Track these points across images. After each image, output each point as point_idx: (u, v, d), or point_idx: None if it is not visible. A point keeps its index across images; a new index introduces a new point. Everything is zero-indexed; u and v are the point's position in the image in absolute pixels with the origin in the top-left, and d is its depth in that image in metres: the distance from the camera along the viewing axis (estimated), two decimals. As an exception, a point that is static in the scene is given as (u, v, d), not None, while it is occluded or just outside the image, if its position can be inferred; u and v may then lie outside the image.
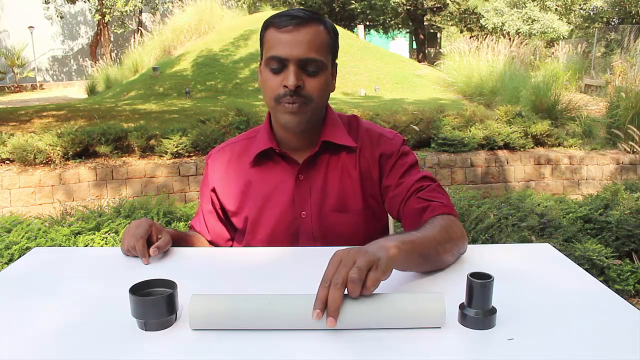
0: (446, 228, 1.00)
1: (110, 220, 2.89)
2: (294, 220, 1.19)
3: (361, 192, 1.19)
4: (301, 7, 17.74)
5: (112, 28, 17.38)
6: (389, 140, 1.22)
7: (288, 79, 1.06)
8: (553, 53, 11.67)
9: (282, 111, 1.10)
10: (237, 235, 1.30)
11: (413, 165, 1.20)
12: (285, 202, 1.19)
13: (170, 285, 0.80)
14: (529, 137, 5.76)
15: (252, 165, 1.21)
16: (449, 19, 20.97)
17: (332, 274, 0.75)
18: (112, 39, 17.38)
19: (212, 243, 1.32)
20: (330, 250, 0.81)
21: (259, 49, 1.16)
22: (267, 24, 1.11)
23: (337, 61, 1.19)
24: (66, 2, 15.48)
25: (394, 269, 0.82)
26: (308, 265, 0.98)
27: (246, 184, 1.22)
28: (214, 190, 1.27)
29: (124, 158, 5.18)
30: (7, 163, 4.91)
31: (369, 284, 0.74)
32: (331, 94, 1.18)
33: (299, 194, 1.18)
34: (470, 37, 13.55)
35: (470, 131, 5.68)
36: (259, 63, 1.18)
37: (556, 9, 16.69)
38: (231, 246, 1.31)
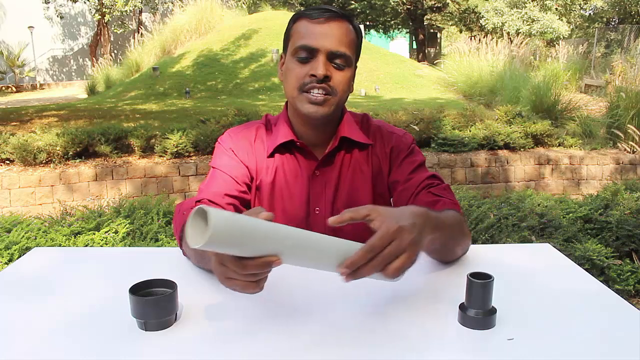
0: (460, 222, 1.03)
1: (110, 220, 2.88)
2: (306, 217, 1.17)
3: (372, 189, 1.20)
4: (302, 6, 17.76)
5: (112, 28, 17.37)
6: (399, 137, 1.23)
7: (317, 68, 1.06)
8: (553, 54, 11.66)
9: (305, 101, 1.09)
10: None
11: (422, 164, 1.21)
12: (299, 198, 1.17)
13: (170, 285, 0.80)
14: (529, 137, 5.75)
15: (269, 155, 1.18)
16: (449, 18, 20.97)
17: (381, 248, 0.73)
18: (112, 39, 17.38)
19: None
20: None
21: (282, 43, 1.16)
22: (298, 16, 1.12)
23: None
24: (67, 1, 15.46)
25: None
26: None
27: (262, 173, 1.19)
28: (247, 168, 1.17)
29: (124, 158, 5.18)
30: (7, 163, 4.91)
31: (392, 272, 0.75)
32: None
33: (314, 190, 1.17)
34: (470, 37, 13.54)
35: (470, 131, 5.68)
36: (280, 57, 1.18)
37: (556, 9, 16.68)
38: None
